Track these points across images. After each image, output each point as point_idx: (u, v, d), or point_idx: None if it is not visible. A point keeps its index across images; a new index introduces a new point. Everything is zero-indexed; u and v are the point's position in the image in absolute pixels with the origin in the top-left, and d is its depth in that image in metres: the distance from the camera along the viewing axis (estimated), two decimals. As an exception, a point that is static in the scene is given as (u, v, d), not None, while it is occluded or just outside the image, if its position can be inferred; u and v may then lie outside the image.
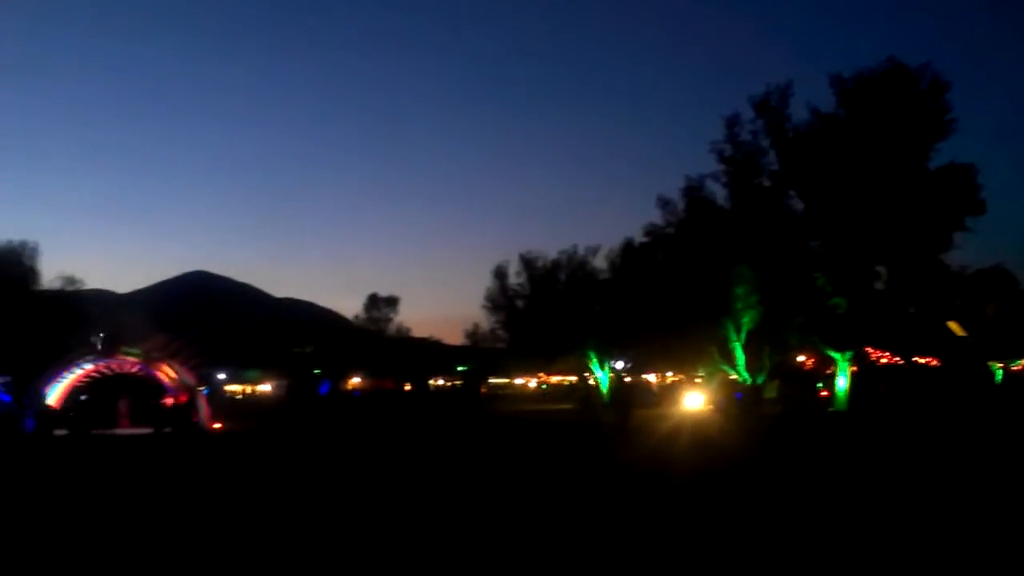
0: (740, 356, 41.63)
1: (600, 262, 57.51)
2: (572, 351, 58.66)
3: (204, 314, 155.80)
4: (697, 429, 27.91)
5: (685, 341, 43.26)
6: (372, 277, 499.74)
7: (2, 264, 52.97)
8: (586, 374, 62.43)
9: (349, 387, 79.98)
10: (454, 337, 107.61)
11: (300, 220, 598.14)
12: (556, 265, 59.00)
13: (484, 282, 62.92)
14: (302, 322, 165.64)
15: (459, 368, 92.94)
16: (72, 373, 39.05)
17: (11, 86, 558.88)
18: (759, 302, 39.81)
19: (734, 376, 42.74)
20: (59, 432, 32.41)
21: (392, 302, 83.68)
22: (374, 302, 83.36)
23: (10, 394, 48.41)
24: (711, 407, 40.95)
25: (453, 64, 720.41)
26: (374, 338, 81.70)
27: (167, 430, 33.50)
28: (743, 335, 41.26)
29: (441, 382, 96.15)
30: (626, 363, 60.15)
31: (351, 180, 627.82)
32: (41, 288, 55.19)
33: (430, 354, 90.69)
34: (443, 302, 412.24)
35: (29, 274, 54.47)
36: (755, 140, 39.83)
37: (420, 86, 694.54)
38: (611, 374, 57.47)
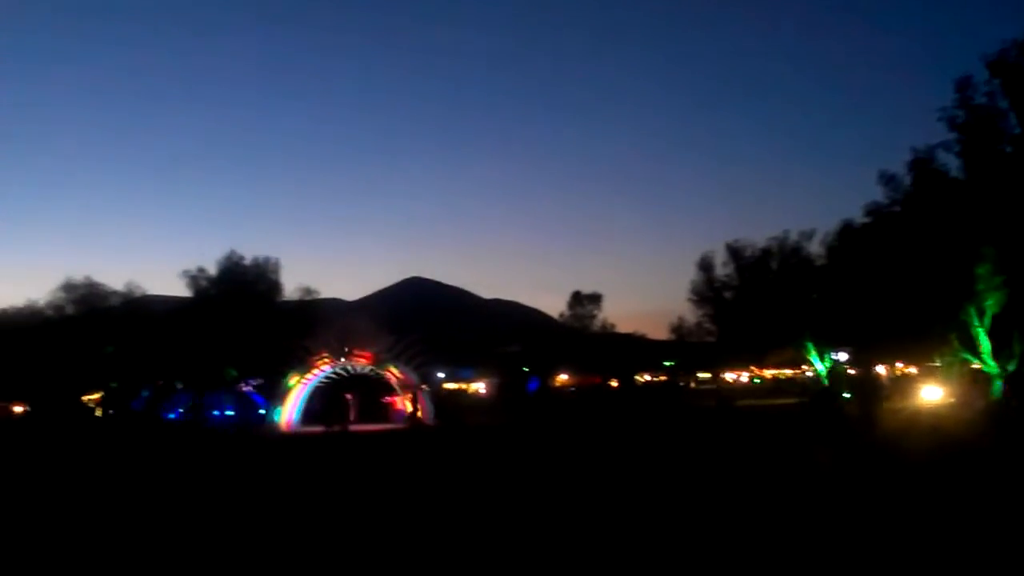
0: (984, 343, 37.48)
1: (815, 247, 54.14)
2: (787, 343, 55.79)
3: (421, 317, 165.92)
4: (944, 425, 25.40)
5: (917, 329, 39.67)
6: (576, 274, 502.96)
7: (252, 280, 59.66)
8: (807, 367, 58.93)
9: (559, 384, 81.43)
10: (659, 332, 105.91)
11: (505, 223, 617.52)
12: (766, 253, 56.29)
13: (689, 275, 61.36)
14: (509, 321, 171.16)
15: (665, 363, 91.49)
16: (315, 375, 43.32)
17: (251, 119, 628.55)
18: (1005, 283, 35.63)
19: (976, 365, 38.57)
20: (314, 429, 35.95)
21: (596, 299, 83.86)
22: (578, 299, 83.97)
23: (262, 395, 54.55)
24: (952, 400, 37.26)
25: (652, 55, 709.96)
26: (579, 335, 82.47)
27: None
28: (987, 320, 37.11)
29: (647, 378, 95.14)
30: (849, 354, 56.26)
31: (552, 179, 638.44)
32: (283, 299, 61.50)
33: (635, 350, 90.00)
34: (647, 297, 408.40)
35: (273, 287, 60.89)
36: (991, 103, 35.79)
37: (618, 79, 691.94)
38: (832, 366, 54.00)
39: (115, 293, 60.07)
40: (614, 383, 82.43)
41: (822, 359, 54.00)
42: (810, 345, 53.40)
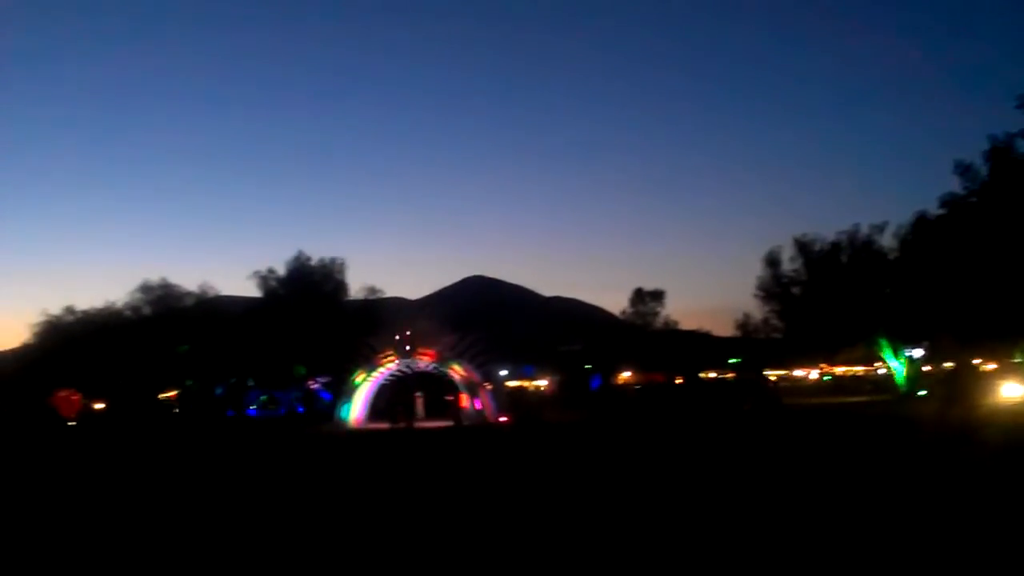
0: (1070, 338, 35.81)
1: (888, 240, 52.53)
2: (858, 340, 54.25)
3: (483, 315, 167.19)
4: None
5: (996, 323, 38.11)
6: (637, 271, 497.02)
7: (319, 280, 61.08)
8: (880, 364, 57.11)
9: (622, 381, 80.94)
10: (724, 329, 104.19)
11: (565, 220, 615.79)
12: (836, 247, 54.77)
13: (755, 270, 60.24)
14: (570, 319, 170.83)
15: (730, 360, 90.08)
16: (381, 373, 44.02)
17: (318, 121, 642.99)
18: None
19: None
20: (379, 425, 36.54)
21: (658, 295, 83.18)
22: (640, 296, 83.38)
23: (330, 391, 55.74)
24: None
25: (712, 50, 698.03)
26: (641, 332, 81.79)
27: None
28: (1072, 313, 35.47)
29: (712, 375, 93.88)
30: (925, 351, 54.30)
31: (612, 175, 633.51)
32: (349, 298, 62.77)
33: (700, 347, 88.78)
34: (711, 293, 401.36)
35: (339, 287, 62.22)
36: (1075, 86, 34.24)
37: (676, 74, 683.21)
38: (907, 363, 52.29)
39: (189, 294, 62.29)
40: (678, 380, 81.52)
41: (896, 356, 52.33)
42: (883, 342, 51.80)
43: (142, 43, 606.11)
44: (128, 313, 61.31)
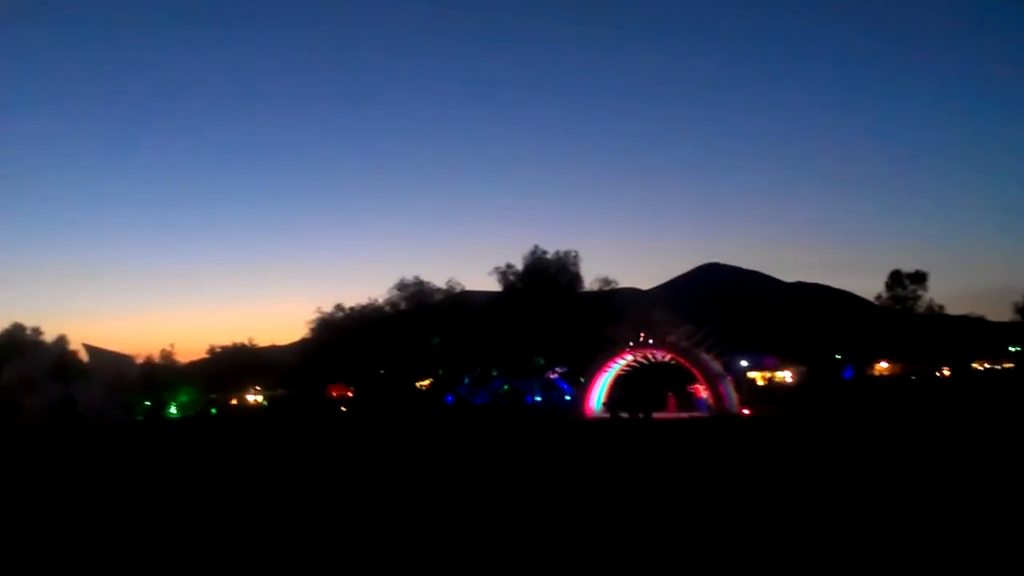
0: None
1: None
2: None
3: (720, 304, 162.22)
4: None
5: None
6: (892, 252, 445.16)
7: (554, 272, 62.84)
8: None
9: (879, 372, 75.06)
10: (1000, 313, 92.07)
11: (801, 201, 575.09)
12: None
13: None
14: (815, 306, 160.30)
15: (1011, 348, 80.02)
16: (617, 364, 44.46)
17: (557, 118, 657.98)
18: None
19: None
20: (620, 415, 37.07)
21: (920, 278, 75.45)
22: (898, 279, 76.28)
23: (568, 382, 57.22)
24: None
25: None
26: (900, 318, 74.89)
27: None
28: None
29: (987, 365, 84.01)
30: None
31: (859, 149, 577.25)
32: (583, 290, 63.92)
33: (971, 333, 79.57)
34: (984, 273, 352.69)
35: (574, 279, 63.54)
36: None
37: (936, 32, 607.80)
38: None
39: (439, 290, 66.97)
40: (946, 371, 73.92)
41: None
42: None
43: (407, 57, 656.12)
44: (387, 309, 67.16)
